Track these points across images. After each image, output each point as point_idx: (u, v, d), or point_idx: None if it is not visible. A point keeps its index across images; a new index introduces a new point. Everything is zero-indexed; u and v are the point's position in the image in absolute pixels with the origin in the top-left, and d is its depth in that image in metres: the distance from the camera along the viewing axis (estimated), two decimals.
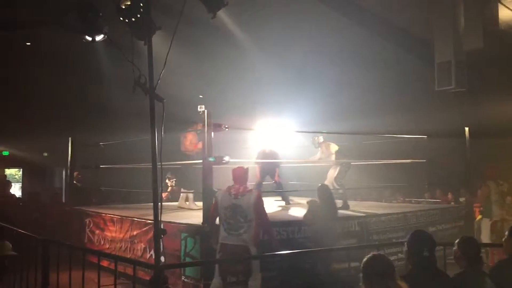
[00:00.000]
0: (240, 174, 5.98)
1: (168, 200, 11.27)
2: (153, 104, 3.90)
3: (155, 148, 3.87)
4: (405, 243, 3.72)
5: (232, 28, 10.76)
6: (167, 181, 11.35)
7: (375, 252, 3.46)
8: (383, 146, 10.55)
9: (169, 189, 11.41)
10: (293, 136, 11.41)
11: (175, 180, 11.39)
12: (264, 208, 5.94)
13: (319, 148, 9.63)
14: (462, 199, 9.86)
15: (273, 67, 12.03)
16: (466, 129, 8.77)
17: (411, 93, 11.78)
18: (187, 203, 9.21)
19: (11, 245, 4.34)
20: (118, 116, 11.89)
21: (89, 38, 4.13)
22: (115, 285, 4.23)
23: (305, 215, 6.76)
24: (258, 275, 5.68)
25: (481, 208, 10.79)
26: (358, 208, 9.11)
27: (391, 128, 10.04)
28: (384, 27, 11.26)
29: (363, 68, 11.58)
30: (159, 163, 3.87)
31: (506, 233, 4.11)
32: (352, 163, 9.44)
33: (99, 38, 4.15)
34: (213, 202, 6.04)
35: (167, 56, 3.98)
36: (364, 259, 3.33)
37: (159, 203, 3.85)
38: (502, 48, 10.81)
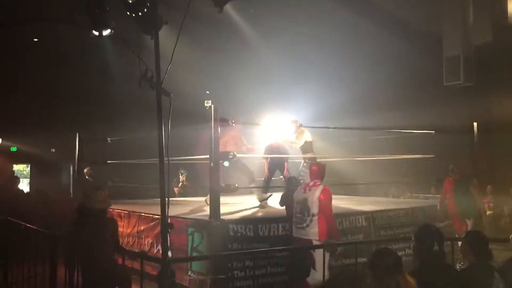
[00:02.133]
0: (315, 170, 6.09)
1: (180, 195, 11.34)
2: (160, 99, 3.90)
3: (162, 143, 3.87)
4: (414, 237, 3.70)
5: (239, 23, 10.75)
6: (180, 176, 11.45)
7: (381, 247, 3.45)
8: (391, 141, 10.50)
9: (181, 184, 11.46)
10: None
11: (186, 175, 11.47)
12: (328, 203, 5.91)
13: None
14: None
15: (280, 62, 12.00)
16: (475, 124, 8.70)
17: (419, 88, 11.71)
18: None
19: None
20: (126, 111, 11.92)
21: (96, 33, 4.13)
22: None
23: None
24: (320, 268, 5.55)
25: (491, 204, 10.76)
26: (365, 203, 9.08)
27: (399, 123, 9.98)
28: (392, 22, 11.21)
29: (371, 63, 11.53)
30: (166, 158, 3.87)
31: None
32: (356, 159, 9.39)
33: (106, 33, 4.15)
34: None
35: (173, 50, 3.97)
36: (372, 254, 3.31)
37: (166, 198, 3.85)
38: (510, 42, 10.71)
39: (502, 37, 10.59)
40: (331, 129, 9.84)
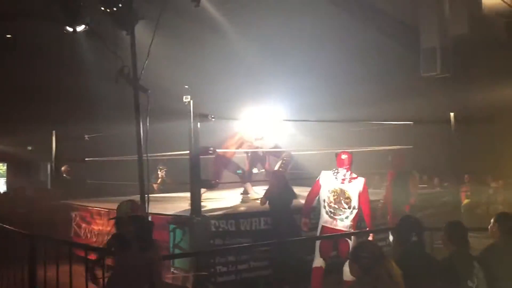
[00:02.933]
0: (349, 159, 6.04)
1: (159, 191, 11.24)
2: (137, 95, 3.85)
3: (140, 139, 3.83)
4: (394, 229, 3.74)
5: (216, 16, 10.67)
6: (158, 172, 11.34)
7: (363, 240, 3.46)
8: (370, 133, 10.59)
9: (159, 180, 11.36)
10: (282, 125, 11.37)
11: (165, 171, 11.38)
12: (369, 197, 6.08)
13: None
14: (447, 184, 9.95)
15: (259, 56, 11.96)
16: (451, 114, 8.81)
17: (397, 80, 11.80)
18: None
19: None
20: (103, 108, 11.74)
21: (70, 29, 4.06)
22: (103, 278, 4.19)
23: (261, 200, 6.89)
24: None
25: (468, 193, 10.96)
26: None
27: (377, 115, 10.05)
28: (369, 14, 11.25)
29: (348, 55, 11.56)
30: (145, 155, 3.83)
31: (492, 219, 4.14)
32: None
33: (80, 28, 4.08)
34: (316, 183, 6.12)
35: (150, 46, 3.93)
36: (353, 249, 3.32)
37: (146, 195, 3.81)
38: (486, 34, 10.86)
39: (478, 28, 10.72)
40: (312, 122, 9.85)
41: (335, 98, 11.98)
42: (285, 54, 12.18)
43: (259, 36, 11.75)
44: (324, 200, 5.98)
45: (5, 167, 16.67)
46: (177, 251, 6.40)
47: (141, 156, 3.76)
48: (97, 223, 8.18)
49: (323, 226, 5.95)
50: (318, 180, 6.12)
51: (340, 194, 5.88)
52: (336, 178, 5.96)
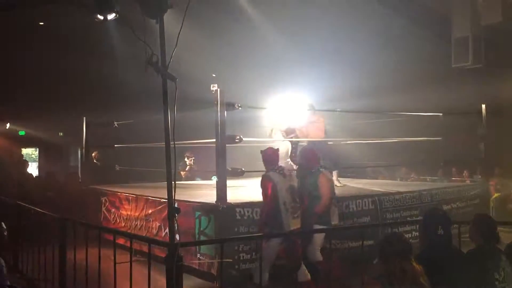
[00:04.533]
0: (277, 153, 5.86)
1: (187, 178, 11.38)
2: (165, 83, 3.88)
3: (168, 127, 3.87)
4: (421, 222, 3.71)
5: (245, 5, 10.64)
6: (186, 159, 11.47)
7: (394, 231, 3.44)
8: (398, 124, 10.45)
9: (188, 167, 11.49)
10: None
11: (193, 159, 11.50)
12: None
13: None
14: (477, 177, 9.76)
15: (287, 45, 11.89)
16: (483, 106, 8.62)
17: (427, 70, 11.59)
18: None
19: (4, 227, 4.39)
20: (133, 95, 11.90)
21: (101, 17, 4.11)
22: (130, 262, 4.28)
23: None
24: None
25: (498, 186, 10.72)
26: (372, 186, 9.08)
27: (406, 105, 9.91)
28: (401, 3, 11.04)
29: (379, 45, 11.39)
30: (172, 142, 3.87)
31: None
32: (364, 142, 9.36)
33: (110, 17, 4.12)
34: (270, 187, 5.54)
35: (179, 34, 3.94)
36: (382, 238, 3.32)
37: (173, 182, 3.86)
38: None
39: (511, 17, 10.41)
40: (340, 112, 9.76)
41: (363, 88, 11.83)
42: (313, 44, 12.08)
43: (286, 24, 11.67)
44: (285, 203, 5.55)
45: (37, 152, 17.12)
46: (202, 237, 6.50)
47: (168, 143, 3.80)
48: (126, 208, 8.35)
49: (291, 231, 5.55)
50: (271, 183, 5.57)
51: (292, 190, 5.63)
52: (283, 175, 5.60)
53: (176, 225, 3.89)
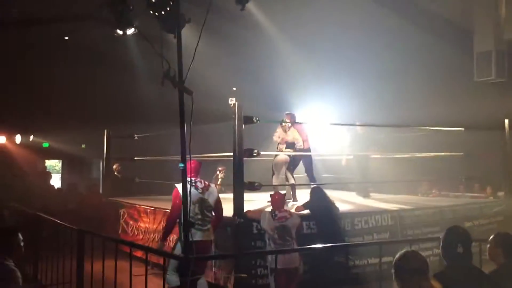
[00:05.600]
0: (198, 167, 5.81)
1: (220, 191, 11.36)
2: (182, 97, 3.91)
3: (184, 141, 3.88)
4: (441, 239, 3.62)
5: (263, 20, 10.70)
6: (218, 173, 11.52)
7: (408, 249, 3.37)
8: (420, 138, 10.31)
9: (220, 181, 11.50)
10: (329, 129, 11.30)
11: (224, 172, 11.55)
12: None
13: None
14: (500, 194, 9.54)
15: (306, 59, 11.90)
16: (506, 121, 8.46)
17: (449, 84, 11.45)
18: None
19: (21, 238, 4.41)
20: (153, 109, 12.03)
21: (120, 32, 4.17)
22: (146, 275, 4.29)
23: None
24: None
25: None
26: (393, 201, 8.95)
27: (428, 120, 9.79)
28: (423, 17, 10.97)
29: (400, 58, 11.31)
30: (189, 156, 3.89)
31: None
32: (372, 156, 9.33)
33: (130, 31, 4.18)
34: (176, 197, 5.64)
35: (196, 48, 3.97)
36: (397, 255, 3.25)
37: (188, 196, 3.87)
38: None
39: None
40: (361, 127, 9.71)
41: (384, 102, 11.74)
42: (332, 57, 12.07)
43: (305, 38, 11.69)
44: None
45: (60, 164, 17.40)
46: (217, 251, 6.47)
47: (184, 157, 3.81)
48: (144, 221, 8.40)
49: (195, 242, 5.09)
50: (178, 194, 5.58)
51: (202, 203, 5.59)
52: (195, 188, 5.60)
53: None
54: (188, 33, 4.28)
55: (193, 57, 3.93)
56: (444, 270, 3.46)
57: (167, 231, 5.76)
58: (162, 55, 3.92)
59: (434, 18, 10.94)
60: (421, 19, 10.98)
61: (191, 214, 5.38)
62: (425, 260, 3.16)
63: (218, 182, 11.51)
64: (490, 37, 10.59)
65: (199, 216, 5.54)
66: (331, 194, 10.03)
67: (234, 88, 12.14)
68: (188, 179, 5.32)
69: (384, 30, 10.92)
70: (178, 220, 5.52)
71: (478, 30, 10.83)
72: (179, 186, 5.64)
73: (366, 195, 9.64)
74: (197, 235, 5.32)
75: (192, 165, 5.69)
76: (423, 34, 11.07)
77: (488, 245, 3.80)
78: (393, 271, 3.16)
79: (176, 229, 5.72)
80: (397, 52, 11.23)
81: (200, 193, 5.62)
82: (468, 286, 3.33)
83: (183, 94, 3.92)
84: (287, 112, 8.78)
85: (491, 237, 3.79)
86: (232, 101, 6.39)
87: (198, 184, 5.67)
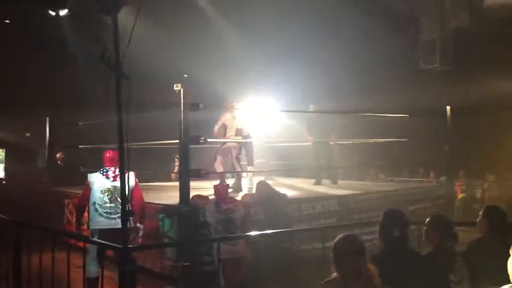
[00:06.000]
0: (114, 156, 5.77)
1: (176, 180, 11.16)
2: (119, 82, 3.77)
3: (121, 128, 3.76)
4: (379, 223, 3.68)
5: (207, 7, 10.57)
6: (175, 161, 11.34)
7: (347, 233, 3.40)
8: (365, 125, 10.49)
9: (176, 169, 11.31)
10: (277, 116, 11.32)
11: None
12: (140, 190, 5.96)
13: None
14: (443, 178, 9.88)
15: (251, 46, 11.83)
16: (448, 107, 8.73)
17: (396, 72, 11.69)
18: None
19: None
20: (98, 95, 11.65)
21: (53, 13, 3.99)
22: (83, 265, 4.18)
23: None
24: None
25: (463, 187, 10.88)
26: (340, 187, 9.09)
27: (374, 107, 9.96)
28: (369, 5, 11.10)
29: (346, 46, 11.44)
30: (126, 144, 3.77)
31: (481, 212, 4.07)
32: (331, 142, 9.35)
33: (63, 12, 4.00)
34: (86, 187, 5.85)
35: (132, 31, 3.83)
36: (336, 240, 3.27)
37: (126, 185, 3.76)
38: (487, 26, 10.71)
39: (479, 20, 10.58)
40: (307, 113, 9.76)
41: (332, 89, 11.87)
42: (280, 45, 12.07)
43: (252, 24, 11.62)
44: (94, 203, 5.71)
45: (3, 153, 16.67)
46: (165, 240, 6.38)
47: (122, 145, 3.69)
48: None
49: (101, 230, 5.62)
50: (88, 182, 5.83)
51: (114, 192, 5.66)
52: (106, 177, 5.74)
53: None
54: (129, 17, 4.12)
55: (129, 40, 3.79)
56: (381, 253, 3.52)
57: (77, 220, 6.04)
58: (97, 38, 3.78)
59: (381, 6, 11.10)
60: (368, 7, 11.10)
61: (99, 202, 5.67)
62: (363, 244, 3.20)
63: (175, 170, 11.36)
64: (435, 25, 10.84)
65: (108, 205, 5.65)
66: (282, 181, 10.20)
67: (185, 75, 11.92)
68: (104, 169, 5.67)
69: (331, 18, 10.99)
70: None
71: (424, 19, 11.07)
72: (90, 175, 5.84)
73: (318, 182, 9.62)
74: (104, 223, 5.57)
75: (108, 155, 5.88)
76: (371, 22, 11.20)
77: (425, 228, 3.88)
78: (331, 254, 3.19)
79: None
80: (344, 40, 11.35)
81: (111, 181, 5.69)
82: (404, 269, 3.39)
83: (120, 79, 3.79)
84: (229, 100, 8.65)
85: (427, 219, 3.87)
86: (177, 87, 6.25)
87: (110, 173, 5.75)
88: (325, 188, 8.90)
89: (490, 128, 11.28)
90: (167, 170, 12.00)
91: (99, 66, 3.84)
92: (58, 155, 10.66)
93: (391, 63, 11.50)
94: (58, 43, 11.16)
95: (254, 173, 8.89)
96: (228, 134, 8.43)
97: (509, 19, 10.86)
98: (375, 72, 11.64)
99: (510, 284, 2.41)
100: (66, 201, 8.93)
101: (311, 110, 9.48)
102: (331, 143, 9.45)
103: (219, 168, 8.32)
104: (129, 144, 3.89)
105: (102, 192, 5.68)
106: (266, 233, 5.49)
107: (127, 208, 3.81)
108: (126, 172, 5.45)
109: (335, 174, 9.66)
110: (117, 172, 5.65)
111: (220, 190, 6.25)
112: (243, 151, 8.67)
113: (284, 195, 6.96)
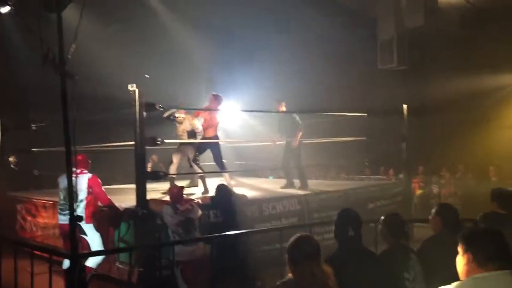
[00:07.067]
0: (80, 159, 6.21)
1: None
2: (64, 82, 3.62)
3: (68, 130, 3.61)
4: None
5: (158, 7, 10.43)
6: (150, 161, 11.11)
7: (301, 234, 3.35)
8: (326, 125, 10.55)
9: (149, 169, 11.00)
10: (238, 116, 11.28)
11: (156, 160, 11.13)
12: (102, 189, 6.40)
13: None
14: (401, 176, 10.03)
15: (208, 45, 11.71)
16: (404, 106, 8.87)
17: (354, 72, 11.81)
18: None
19: None
20: (50, 96, 11.22)
21: None
22: (32, 273, 3.99)
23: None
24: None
25: (421, 183, 11.10)
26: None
27: (334, 107, 10.03)
28: (328, 5, 11.17)
29: (305, 47, 11.48)
30: (73, 146, 3.62)
31: (433, 210, 4.10)
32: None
33: (4, 10, 3.81)
34: None
35: (77, 28, 3.69)
36: (290, 241, 3.22)
37: (72, 190, 3.61)
38: (441, 26, 10.96)
39: (434, 21, 10.80)
40: (267, 113, 9.73)
41: (292, 90, 11.88)
42: (239, 45, 12.01)
43: (208, 22, 11.51)
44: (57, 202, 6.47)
45: None
46: (122, 245, 6.22)
47: (69, 148, 3.54)
48: (42, 216, 7.89)
49: (60, 225, 6.32)
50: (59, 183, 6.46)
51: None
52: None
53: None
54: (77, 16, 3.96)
55: (75, 37, 3.65)
56: (336, 253, 3.50)
57: None
58: (41, 37, 3.61)
59: (338, 6, 11.19)
60: (328, 8, 11.17)
61: (59, 201, 6.37)
62: (317, 245, 3.15)
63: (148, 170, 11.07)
64: (391, 25, 10.97)
65: (62, 202, 6.34)
66: (244, 181, 10.12)
67: (147, 76, 11.67)
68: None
69: (287, 17, 10.99)
70: None
71: (380, 18, 11.20)
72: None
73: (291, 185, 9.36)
74: (62, 219, 6.21)
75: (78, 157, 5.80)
76: (330, 23, 11.28)
77: (380, 226, 3.89)
78: (286, 256, 3.14)
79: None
80: (303, 40, 11.38)
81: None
82: (358, 268, 3.38)
83: (65, 78, 3.64)
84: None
85: (381, 218, 3.88)
86: (132, 87, 6.08)
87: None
88: (287, 188, 8.87)
89: (445, 126, 11.54)
90: (124, 171, 11.71)
91: (45, 66, 3.69)
92: (11, 159, 10.25)
93: (348, 63, 11.61)
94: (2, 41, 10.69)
95: (229, 173, 8.71)
96: (182, 137, 8.16)
97: (461, 19, 11.17)
98: (333, 72, 11.72)
99: (459, 281, 2.42)
100: (19, 206, 8.60)
101: (283, 108, 9.16)
102: (295, 144, 9.29)
103: (174, 169, 8.13)
104: (78, 146, 3.75)
105: (61, 190, 6.38)
106: (226, 235, 5.43)
107: (74, 214, 3.65)
108: (76, 175, 5.44)
109: (304, 175, 9.48)
110: (75, 172, 5.55)
111: (175, 192, 6.14)
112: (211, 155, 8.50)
113: (244, 196, 6.90)
